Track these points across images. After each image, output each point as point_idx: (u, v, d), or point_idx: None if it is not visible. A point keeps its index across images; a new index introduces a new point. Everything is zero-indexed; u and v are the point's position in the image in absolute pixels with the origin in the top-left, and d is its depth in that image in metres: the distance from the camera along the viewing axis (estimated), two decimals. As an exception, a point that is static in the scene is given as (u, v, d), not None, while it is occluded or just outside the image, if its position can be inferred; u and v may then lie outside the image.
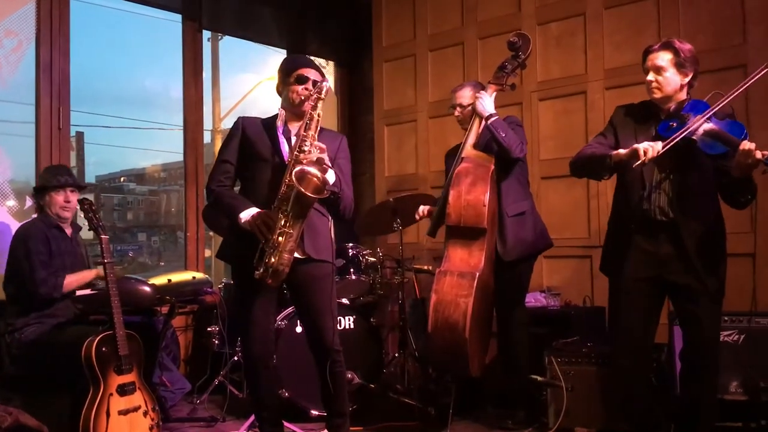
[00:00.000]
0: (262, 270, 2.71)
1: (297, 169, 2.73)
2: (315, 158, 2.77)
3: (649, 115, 2.96)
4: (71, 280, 3.45)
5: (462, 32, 5.16)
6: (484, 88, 3.83)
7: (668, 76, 2.86)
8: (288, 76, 2.99)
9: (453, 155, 3.88)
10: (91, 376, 2.91)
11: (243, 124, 3.03)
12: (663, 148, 2.70)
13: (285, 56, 5.33)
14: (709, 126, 2.72)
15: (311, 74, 2.99)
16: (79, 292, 3.46)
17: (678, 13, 4.23)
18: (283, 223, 2.72)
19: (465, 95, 3.85)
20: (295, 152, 2.79)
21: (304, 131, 2.84)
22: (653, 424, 3.02)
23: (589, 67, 4.56)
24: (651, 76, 2.88)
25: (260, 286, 2.81)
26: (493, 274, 3.59)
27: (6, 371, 3.37)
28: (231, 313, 4.07)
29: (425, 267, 4.47)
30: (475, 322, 3.33)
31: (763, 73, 2.68)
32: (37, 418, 2.84)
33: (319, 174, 2.74)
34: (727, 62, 3.99)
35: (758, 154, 2.55)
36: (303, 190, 2.67)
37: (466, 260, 3.45)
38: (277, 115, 3.03)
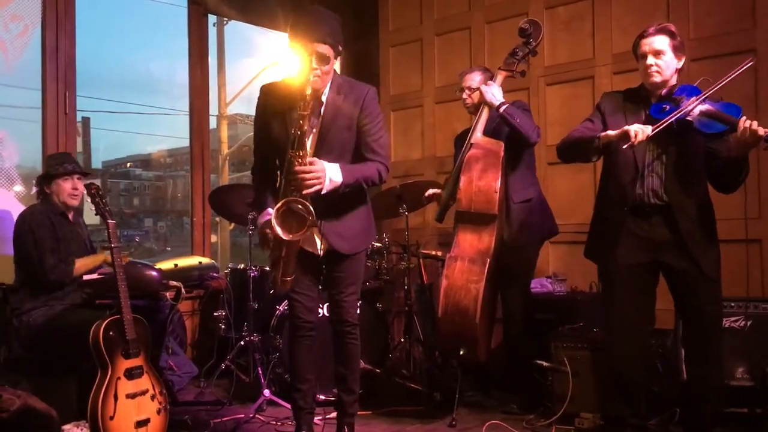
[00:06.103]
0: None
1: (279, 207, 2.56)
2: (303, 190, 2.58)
3: (639, 100, 2.97)
4: (80, 265, 3.46)
5: (469, 17, 5.12)
6: (492, 73, 3.82)
7: (667, 60, 2.88)
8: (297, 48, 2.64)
9: (463, 140, 3.87)
10: (99, 360, 2.93)
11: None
12: (653, 131, 2.73)
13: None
14: (705, 107, 2.75)
15: (319, 48, 2.60)
16: (86, 277, 3.48)
17: (687, -4, 4.18)
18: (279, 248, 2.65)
19: (474, 79, 3.84)
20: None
21: (291, 149, 2.56)
22: (657, 410, 3.02)
23: (597, 51, 4.52)
24: (651, 60, 2.88)
25: (303, 259, 2.80)
26: (499, 260, 3.59)
27: (14, 355, 3.39)
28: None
29: (433, 252, 4.47)
30: (484, 308, 3.34)
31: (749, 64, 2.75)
32: (45, 402, 2.85)
33: (303, 203, 2.56)
34: (736, 47, 3.94)
35: (760, 131, 2.59)
36: (283, 237, 2.55)
37: (476, 246, 3.45)
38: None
